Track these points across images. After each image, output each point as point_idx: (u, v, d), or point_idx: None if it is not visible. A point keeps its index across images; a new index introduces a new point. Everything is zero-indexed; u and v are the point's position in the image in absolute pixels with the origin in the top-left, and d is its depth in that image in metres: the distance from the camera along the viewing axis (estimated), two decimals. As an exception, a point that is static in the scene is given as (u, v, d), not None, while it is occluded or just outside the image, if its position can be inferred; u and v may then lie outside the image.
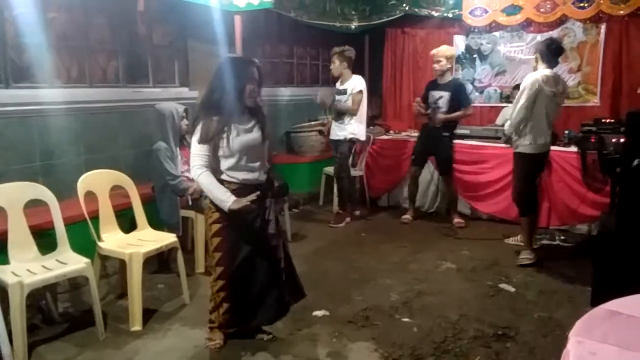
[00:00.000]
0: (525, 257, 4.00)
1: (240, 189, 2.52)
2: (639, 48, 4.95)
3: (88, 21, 4.01)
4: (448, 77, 4.89)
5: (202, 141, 2.46)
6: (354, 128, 4.92)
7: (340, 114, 4.94)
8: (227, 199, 2.44)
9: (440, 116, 4.82)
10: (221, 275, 2.62)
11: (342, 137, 4.96)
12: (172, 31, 4.82)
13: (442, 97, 4.84)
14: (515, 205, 4.17)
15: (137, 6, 4.43)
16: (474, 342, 2.84)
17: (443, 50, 4.86)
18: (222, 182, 2.53)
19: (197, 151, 2.48)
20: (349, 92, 4.88)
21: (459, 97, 4.84)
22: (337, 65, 4.89)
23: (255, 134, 2.58)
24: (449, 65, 4.86)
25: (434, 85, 4.93)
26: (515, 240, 4.40)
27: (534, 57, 3.94)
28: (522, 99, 3.76)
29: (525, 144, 3.86)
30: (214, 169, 2.53)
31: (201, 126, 2.47)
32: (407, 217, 5.24)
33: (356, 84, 4.89)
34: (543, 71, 3.75)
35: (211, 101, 2.50)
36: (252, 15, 4.84)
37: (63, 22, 3.84)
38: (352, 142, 5.01)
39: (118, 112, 4.22)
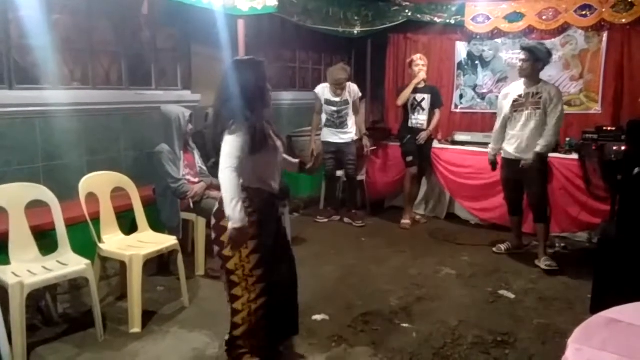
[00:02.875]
0: (551, 263, 4.01)
1: (261, 198, 2.37)
2: (641, 56, 4.96)
3: (92, 23, 4.03)
4: (423, 82, 5.21)
5: (253, 151, 2.25)
6: (355, 129, 5.25)
7: (343, 122, 5.16)
8: (236, 219, 2.11)
9: (423, 135, 5.16)
10: (261, 293, 2.36)
11: (349, 140, 5.19)
12: (175, 34, 4.84)
13: (424, 100, 5.17)
14: (534, 212, 4.18)
15: (141, 9, 4.45)
16: (473, 349, 2.84)
17: (423, 55, 5.27)
18: (243, 189, 2.31)
19: (235, 152, 2.18)
20: (350, 101, 5.14)
21: (436, 99, 5.23)
22: (345, 88, 5.11)
23: (278, 142, 2.46)
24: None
25: (414, 89, 5.14)
26: (507, 247, 4.41)
27: (532, 59, 3.93)
28: (561, 107, 3.91)
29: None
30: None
31: (244, 133, 2.22)
32: (406, 222, 5.25)
33: (354, 90, 5.19)
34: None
35: (243, 106, 2.27)
36: (256, 19, 4.86)
37: (67, 24, 3.86)
38: (355, 141, 5.27)
39: (120, 114, 4.23)
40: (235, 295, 2.37)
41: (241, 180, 2.26)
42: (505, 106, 4.12)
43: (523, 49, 3.98)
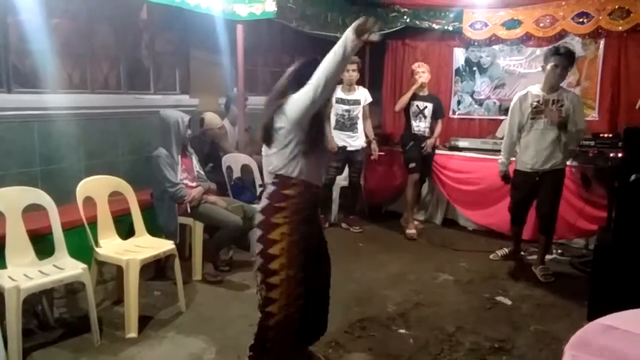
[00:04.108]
0: (546, 274, 3.99)
1: (310, 193, 2.30)
2: (638, 64, 4.97)
3: (91, 28, 4.04)
4: (426, 91, 5.21)
5: (311, 148, 2.23)
6: (363, 136, 5.21)
7: (353, 125, 5.11)
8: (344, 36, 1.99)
9: (430, 142, 5.16)
10: (299, 296, 2.29)
11: (359, 147, 5.17)
12: (174, 39, 4.86)
13: (426, 108, 5.17)
14: (543, 224, 4.05)
15: (140, 14, 4.47)
16: (470, 355, 2.83)
17: (423, 63, 5.25)
18: (296, 182, 2.25)
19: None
20: (362, 102, 5.13)
21: (438, 109, 5.23)
22: (354, 75, 5.04)
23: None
24: (429, 77, 5.21)
25: (416, 96, 5.13)
26: (503, 253, 4.40)
27: (569, 65, 3.77)
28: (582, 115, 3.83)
29: (566, 159, 3.97)
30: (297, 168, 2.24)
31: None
32: (412, 232, 5.11)
33: (366, 95, 5.19)
34: None
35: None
36: (254, 24, 4.87)
37: (66, 28, 3.87)
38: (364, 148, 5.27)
39: (118, 118, 4.24)
40: (271, 298, 2.25)
41: (295, 174, 2.23)
42: (522, 112, 3.86)
43: (563, 54, 3.69)
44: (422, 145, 5.14)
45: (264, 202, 2.29)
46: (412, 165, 5.13)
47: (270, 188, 2.27)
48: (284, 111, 2.19)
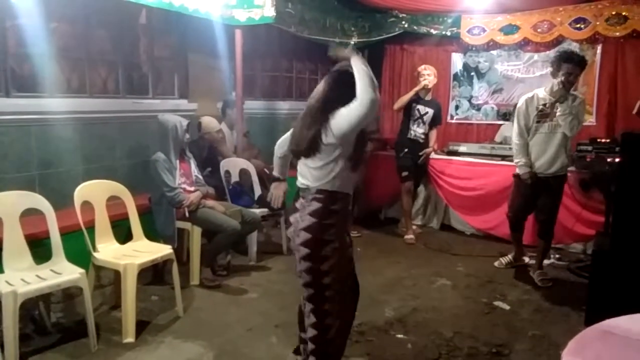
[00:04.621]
0: (544, 278, 3.99)
1: (346, 205, 2.32)
2: (634, 69, 5.00)
3: (89, 32, 4.05)
4: (430, 96, 5.05)
5: (355, 165, 2.28)
6: None
7: None
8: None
9: (428, 150, 5.10)
10: (348, 305, 2.44)
11: None
12: (173, 44, 4.87)
13: (427, 113, 5.01)
14: (542, 228, 4.05)
15: (139, 19, 4.47)
16: (468, 360, 2.83)
17: (430, 66, 5.06)
18: (334, 192, 2.25)
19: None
20: None
21: (438, 116, 5.11)
22: None
23: None
24: (435, 81, 5.02)
25: (418, 99, 4.99)
26: (508, 261, 4.38)
27: (580, 74, 3.80)
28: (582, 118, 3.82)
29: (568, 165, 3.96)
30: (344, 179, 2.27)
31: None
32: (410, 237, 5.13)
33: None
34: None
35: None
36: (253, 29, 4.88)
37: (65, 32, 3.88)
38: None
39: (117, 122, 4.24)
40: (327, 310, 2.29)
41: (340, 188, 2.25)
42: (528, 115, 3.85)
43: (577, 63, 3.68)
44: (420, 153, 5.04)
45: (308, 219, 2.23)
46: (404, 174, 5.07)
47: (315, 205, 2.23)
48: (331, 126, 2.17)
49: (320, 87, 2.29)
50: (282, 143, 2.60)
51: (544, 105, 3.80)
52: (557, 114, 3.71)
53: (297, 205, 2.33)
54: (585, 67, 3.84)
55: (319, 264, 2.24)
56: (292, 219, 2.34)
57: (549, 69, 3.94)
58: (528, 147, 3.90)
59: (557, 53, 3.97)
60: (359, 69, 2.11)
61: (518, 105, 3.97)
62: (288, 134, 2.50)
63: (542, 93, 3.86)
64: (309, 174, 2.27)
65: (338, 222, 2.25)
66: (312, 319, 2.31)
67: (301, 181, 2.33)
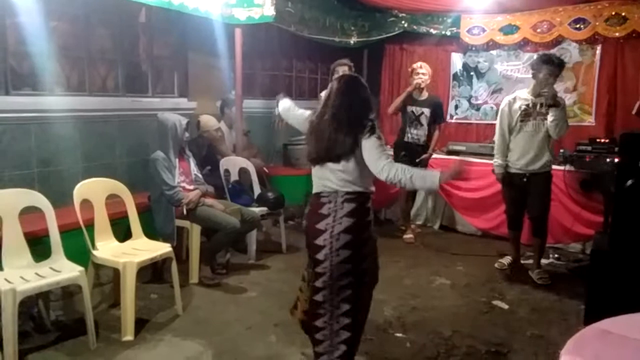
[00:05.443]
0: (543, 276, 4.01)
1: (369, 204, 2.41)
2: (634, 70, 5.01)
3: (89, 30, 4.05)
4: (425, 94, 4.92)
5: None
6: None
7: None
8: (435, 174, 2.26)
9: (425, 156, 4.95)
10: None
11: None
12: (173, 42, 4.86)
13: (423, 114, 4.88)
14: (535, 226, 4.09)
15: (139, 17, 4.47)
16: (466, 359, 2.84)
17: (425, 64, 4.95)
18: (361, 193, 2.35)
19: (384, 149, 2.33)
20: None
21: (437, 114, 4.93)
22: None
23: None
24: (429, 80, 4.92)
25: (412, 100, 4.89)
26: (509, 262, 4.36)
27: (559, 75, 3.91)
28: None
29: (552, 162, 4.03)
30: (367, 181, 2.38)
31: (378, 135, 2.35)
32: (410, 236, 5.14)
33: None
34: None
35: (368, 114, 2.39)
36: (253, 28, 4.88)
37: (65, 31, 3.88)
38: None
39: (116, 121, 4.24)
40: (359, 308, 2.40)
41: (369, 188, 2.38)
42: (511, 115, 3.95)
43: (557, 64, 3.79)
44: (417, 160, 4.85)
45: (347, 221, 2.28)
46: None
47: (350, 206, 2.29)
48: (358, 147, 2.29)
49: (339, 96, 2.38)
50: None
51: (527, 105, 3.91)
52: (550, 119, 3.80)
53: (323, 211, 2.32)
54: (563, 69, 3.96)
55: (360, 264, 2.34)
56: (321, 226, 2.31)
57: (531, 72, 4.01)
58: (507, 148, 4.05)
59: (537, 56, 4.07)
60: (424, 178, 2.29)
61: (501, 107, 4.11)
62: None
63: (523, 94, 3.99)
64: (336, 177, 2.32)
65: (371, 220, 2.39)
66: (346, 320, 2.34)
67: (326, 185, 2.35)
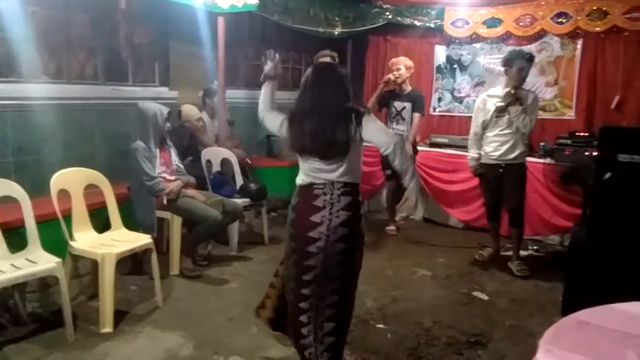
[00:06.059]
0: (522, 268, 4.07)
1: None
2: (614, 64, 5.07)
3: (68, 17, 3.95)
4: (407, 88, 4.87)
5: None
6: None
7: None
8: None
9: (409, 145, 4.78)
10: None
11: None
12: (153, 30, 4.77)
13: (404, 108, 4.84)
14: (511, 216, 4.17)
15: (119, 4, 4.37)
16: (446, 349, 2.86)
17: (403, 59, 4.91)
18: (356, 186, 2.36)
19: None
20: None
21: (417, 104, 4.83)
22: None
23: None
24: (407, 75, 4.84)
25: (394, 95, 4.87)
26: (489, 253, 4.40)
27: (530, 69, 4.00)
28: (536, 113, 4.05)
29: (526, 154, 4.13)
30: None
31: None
32: (392, 228, 5.18)
33: None
34: None
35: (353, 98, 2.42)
36: (236, 17, 4.82)
37: (43, 17, 3.77)
38: None
39: (96, 109, 4.16)
40: (350, 299, 2.44)
41: (360, 179, 2.37)
42: (487, 111, 4.04)
43: (528, 59, 3.90)
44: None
45: (344, 214, 2.26)
46: (387, 172, 4.93)
47: (347, 198, 2.27)
48: (361, 133, 2.26)
49: (314, 86, 2.33)
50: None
51: (501, 102, 3.99)
52: (512, 113, 3.91)
53: (318, 203, 2.27)
54: (533, 63, 4.05)
55: (354, 255, 2.34)
56: (316, 218, 2.25)
57: (502, 68, 4.08)
58: (481, 142, 4.16)
59: (508, 52, 4.16)
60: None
61: (476, 104, 4.23)
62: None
63: (498, 91, 4.06)
64: (329, 169, 2.27)
65: (363, 212, 2.40)
66: (332, 310, 2.32)
67: (319, 176, 2.29)
